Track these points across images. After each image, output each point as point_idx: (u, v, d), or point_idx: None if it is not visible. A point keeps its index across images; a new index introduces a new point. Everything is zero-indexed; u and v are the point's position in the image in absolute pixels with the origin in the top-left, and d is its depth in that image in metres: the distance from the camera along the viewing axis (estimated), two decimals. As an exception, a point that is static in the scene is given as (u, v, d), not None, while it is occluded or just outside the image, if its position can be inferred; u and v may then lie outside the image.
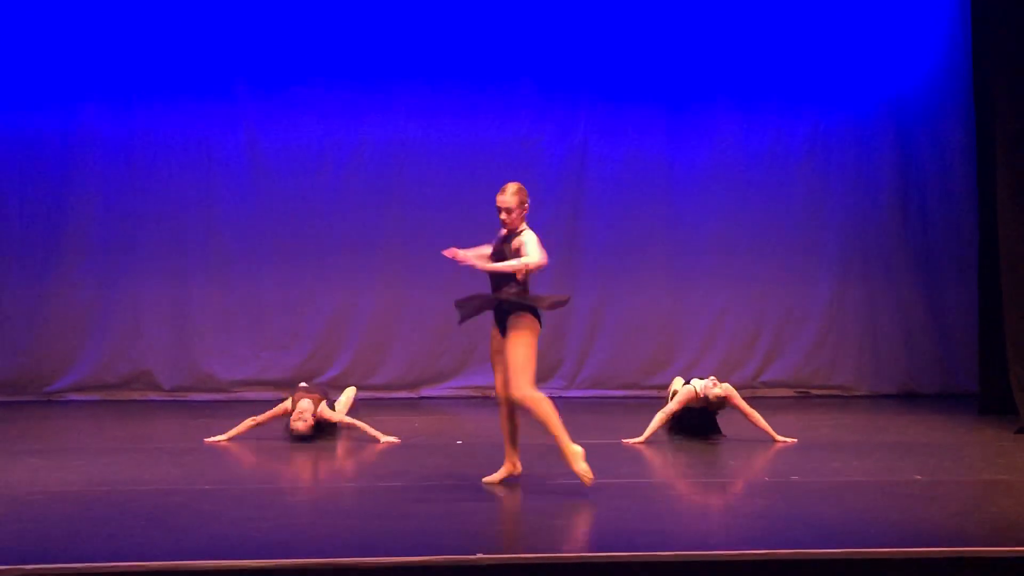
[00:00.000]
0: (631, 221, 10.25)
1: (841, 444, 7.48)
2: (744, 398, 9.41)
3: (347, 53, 10.04)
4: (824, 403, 9.86)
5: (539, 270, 5.81)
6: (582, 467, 5.60)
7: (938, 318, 10.36)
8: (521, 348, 5.62)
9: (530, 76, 10.17)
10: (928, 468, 6.47)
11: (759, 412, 7.73)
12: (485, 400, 9.76)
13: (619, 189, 10.28)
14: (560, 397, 10.12)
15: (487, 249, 6.00)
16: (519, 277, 5.73)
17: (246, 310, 9.96)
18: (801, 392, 10.31)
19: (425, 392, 10.13)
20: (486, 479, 5.92)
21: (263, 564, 4.34)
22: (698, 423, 7.66)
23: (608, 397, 9.97)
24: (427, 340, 10.11)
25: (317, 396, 7.62)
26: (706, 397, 7.47)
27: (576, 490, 5.83)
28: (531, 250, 5.68)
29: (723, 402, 7.54)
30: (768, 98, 10.32)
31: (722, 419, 7.89)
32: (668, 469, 6.85)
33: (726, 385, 7.55)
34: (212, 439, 7.39)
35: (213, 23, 9.90)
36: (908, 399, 10.08)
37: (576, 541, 4.94)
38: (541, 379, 10.05)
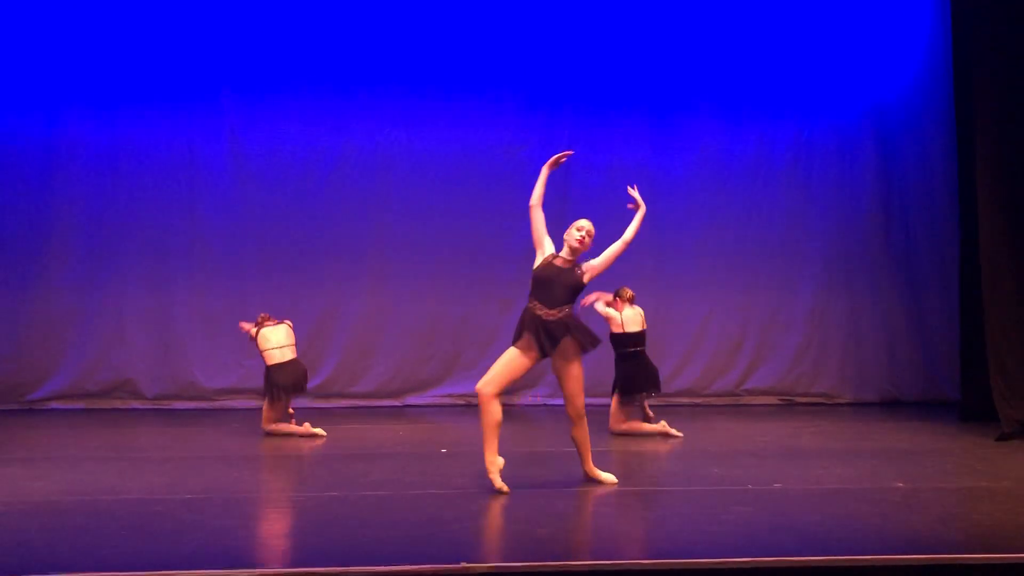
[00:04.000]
0: (615, 229, 10.21)
1: (824, 451, 7.51)
2: (728, 406, 9.56)
3: (332, 61, 10.04)
4: (807, 410, 9.90)
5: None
6: (604, 476, 6.18)
7: (920, 326, 10.43)
8: (580, 372, 6.09)
9: (515, 85, 10.20)
10: (910, 475, 6.50)
11: (745, 421, 7.76)
12: (468, 408, 9.76)
13: (604, 197, 10.26)
14: (545, 405, 10.15)
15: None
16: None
17: (229, 318, 9.90)
18: (784, 400, 10.35)
19: (410, 400, 10.12)
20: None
21: (247, 574, 4.32)
22: (637, 363, 8.02)
23: (593, 405, 9.94)
24: (412, 348, 10.10)
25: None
26: (622, 299, 8.10)
27: (561, 498, 5.83)
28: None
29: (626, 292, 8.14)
30: (751, 107, 10.39)
31: (694, 426, 7.90)
32: (652, 478, 6.86)
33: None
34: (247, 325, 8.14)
35: (198, 30, 9.88)
36: (890, 406, 10.14)
37: (560, 550, 4.93)
38: (527, 386, 10.17)
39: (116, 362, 9.78)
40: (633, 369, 8.07)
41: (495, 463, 5.94)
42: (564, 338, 5.89)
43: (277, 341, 8.07)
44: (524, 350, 5.93)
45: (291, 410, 8.32)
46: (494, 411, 5.88)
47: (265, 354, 8.07)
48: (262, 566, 4.42)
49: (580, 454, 6.18)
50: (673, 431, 8.03)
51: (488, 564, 4.49)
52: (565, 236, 6.09)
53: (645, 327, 8.19)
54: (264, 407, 8.12)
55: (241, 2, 9.98)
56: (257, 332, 8.11)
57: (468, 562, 4.46)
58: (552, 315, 5.90)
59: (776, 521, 5.34)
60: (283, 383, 7.97)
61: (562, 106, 10.24)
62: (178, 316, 9.89)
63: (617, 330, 8.15)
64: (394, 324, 10.10)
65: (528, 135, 10.22)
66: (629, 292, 8.26)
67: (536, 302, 5.95)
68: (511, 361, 5.94)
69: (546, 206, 10.12)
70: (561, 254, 6.05)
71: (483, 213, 10.15)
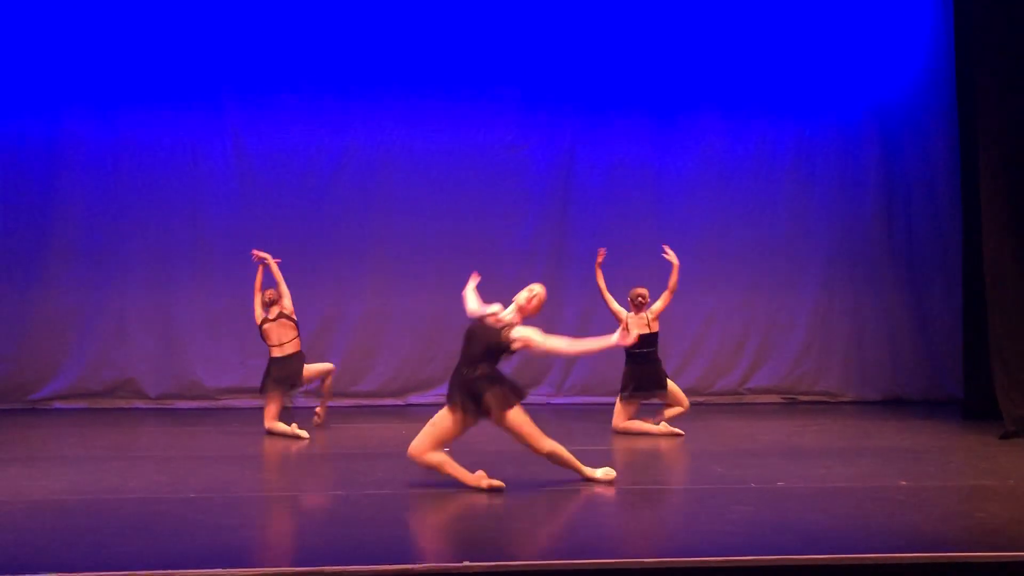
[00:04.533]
0: (618, 228, 10.27)
1: (827, 450, 7.50)
2: (730, 405, 9.55)
3: (334, 61, 10.04)
4: (810, 409, 9.89)
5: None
6: (599, 474, 6.09)
7: (923, 324, 10.41)
8: (522, 418, 5.93)
9: (517, 84, 10.19)
10: (913, 473, 6.49)
11: (748, 420, 7.77)
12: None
13: (606, 196, 10.31)
14: (548, 404, 10.15)
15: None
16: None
17: (232, 317, 9.92)
18: (787, 398, 10.34)
19: (412, 399, 10.12)
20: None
21: (249, 572, 4.32)
22: (640, 364, 8.05)
23: (595, 404, 9.97)
24: (414, 347, 10.09)
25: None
26: (631, 301, 8.21)
27: (563, 497, 5.83)
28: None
29: (646, 299, 8.22)
30: (754, 106, 10.38)
31: (692, 424, 7.90)
32: (654, 476, 6.85)
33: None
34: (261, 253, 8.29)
35: (200, 30, 9.88)
36: (893, 405, 10.13)
37: (563, 548, 4.93)
38: (528, 385, 10.08)
39: (118, 362, 9.78)
40: (636, 370, 8.10)
41: (475, 479, 5.92)
42: (485, 395, 5.77)
43: (278, 338, 8.16)
44: (452, 411, 5.88)
45: (318, 410, 8.43)
46: (434, 461, 5.89)
47: (270, 348, 8.16)
48: (264, 565, 4.42)
49: (575, 471, 6.11)
50: (674, 429, 8.03)
51: (490, 563, 4.48)
52: (516, 296, 5.99)
53: (653, 331, 8.16)
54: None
55: (243, 2, 9.98)
56: (262, 324, 8.16)
57: (470, 560, 4.46)
58: (470, 373, 5.82)
59: (779, 520, 5.34)
60: (276, 376, 8.06)
61: (564, 105, 10.24)
62: (180, 316, 9.89)
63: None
64: (396, 323, 10.10)
65: (530, 134, 10.22)
66: (639, 296, 8.23)
67: (459, 360, 5.93)
68: (439, 423, 5.90)
69: (548, 205, 10.32)
70: (502, 313, 5.96)
71: (485, 212, 10.16)
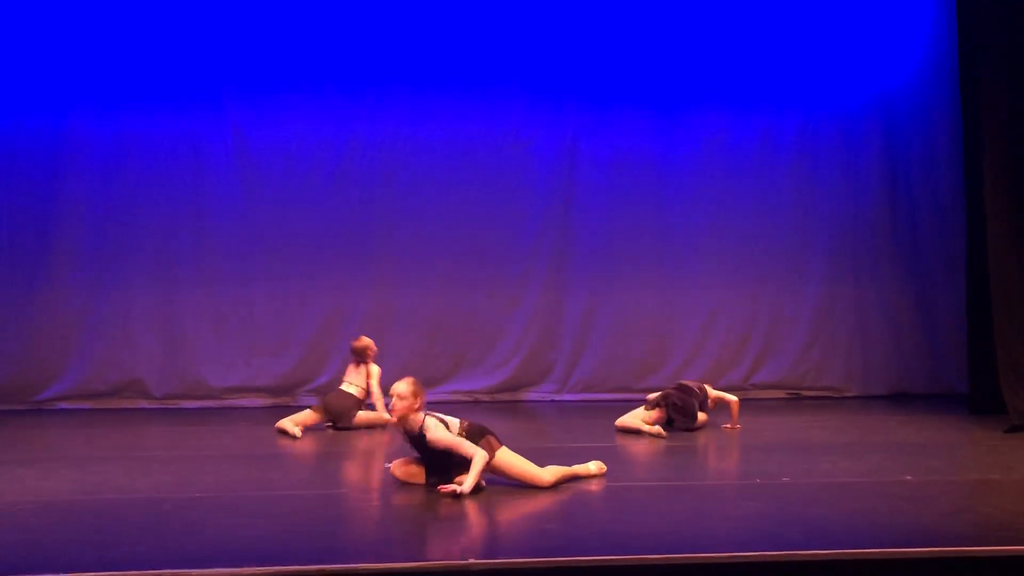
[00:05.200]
0: (621, 223, 10.27)
1: (832, 445, 7.50)
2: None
3: (336, 57, 10.03)
4: (814, 404, 9.88)
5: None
6: (593, 468, 6.13)
7: (927, 318, 10.40)
8: (512, 458, 5.92)
9: (520, 79, 10.19)
10: (919, 468, 6.49)
11: (752, 415, 7.75)
12: (475, 404, 9.77)
13: (609, 191, 10.30)
14: (552, 401, 10.15)
15: None
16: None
17: (236, 316, 9.93)
18: (792, 394, 10.33)
19: (417, 396, 10.09)
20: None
21: (255, 572, 4.33)
22: (678, 391, 8.09)
23: (600, 401, 9.98)
24: (419, 344, 10.10)
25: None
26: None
27: (567, 494, 5.83)
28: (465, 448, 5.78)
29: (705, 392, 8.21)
30: (757, 98, 10.36)
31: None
32: (659, 472, 6.85)
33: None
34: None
35: (202, 28, 9.87)
36: (898, 400, 10.12)
37: (568, 546, 4.92)
38: (532, 383, 10.18)
39: (124, 362, 9.78)
40: (674, 393, 8.04)
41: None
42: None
43: (347, 375, 8.45)
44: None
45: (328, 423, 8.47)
46: (413, 474, 5.99)
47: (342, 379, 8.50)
48: (270, 564, 4.42)
49: (576, 478, 6.10)
50: (662, 432, 7.89)
51: (493, 560, 4.48)
52: None
53: (703, 390, 8.19)
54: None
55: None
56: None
57: (475, 559, 4.46)
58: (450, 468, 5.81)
59: (784, 515, 5.33)
60: (327, 403, 8.26)
61: (567, 99, 10.22)
62: (185, 315, 9.89)
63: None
64: (401, 320, 10.10)
65: (533, 129, 10.21)
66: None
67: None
68: (412, 466, 6.04)
69: (551, 201, 10.32)
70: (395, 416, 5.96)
71: (489, 208, 10.16)
